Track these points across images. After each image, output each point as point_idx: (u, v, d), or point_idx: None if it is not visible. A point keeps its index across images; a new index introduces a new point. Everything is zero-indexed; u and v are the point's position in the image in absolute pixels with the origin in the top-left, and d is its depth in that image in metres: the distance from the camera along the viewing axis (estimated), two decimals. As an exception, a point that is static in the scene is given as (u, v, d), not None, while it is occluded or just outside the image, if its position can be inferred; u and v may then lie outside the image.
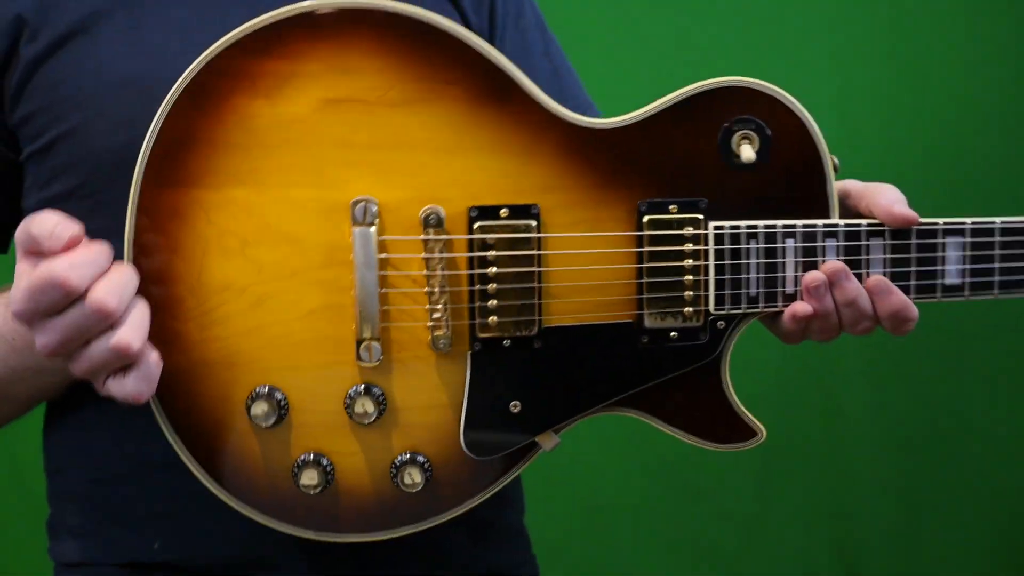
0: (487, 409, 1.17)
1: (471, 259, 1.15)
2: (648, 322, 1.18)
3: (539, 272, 1.17)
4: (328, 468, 1.15)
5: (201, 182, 1.11)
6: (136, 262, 1.10)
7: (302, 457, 1.14)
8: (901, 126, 2.55)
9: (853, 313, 1.19)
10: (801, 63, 2.57)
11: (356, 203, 1.12)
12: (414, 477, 1.16)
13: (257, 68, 1.10)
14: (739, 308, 1.20)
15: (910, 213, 1.20)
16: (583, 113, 1.21)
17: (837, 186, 1.23)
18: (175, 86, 1.10)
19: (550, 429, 1.18)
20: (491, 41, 1.37)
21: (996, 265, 1.21)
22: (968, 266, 1.21)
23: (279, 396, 1.13)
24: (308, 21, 1.10)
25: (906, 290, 1.21)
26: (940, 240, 1.21)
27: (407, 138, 1.12)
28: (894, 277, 1.20)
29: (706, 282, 1.19)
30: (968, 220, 1.21)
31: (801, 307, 1.18)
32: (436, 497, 1.19)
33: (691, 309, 1.19)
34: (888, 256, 1.20)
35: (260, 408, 1.12)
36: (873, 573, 2.65)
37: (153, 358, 1.06)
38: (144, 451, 1.25)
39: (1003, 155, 2.54)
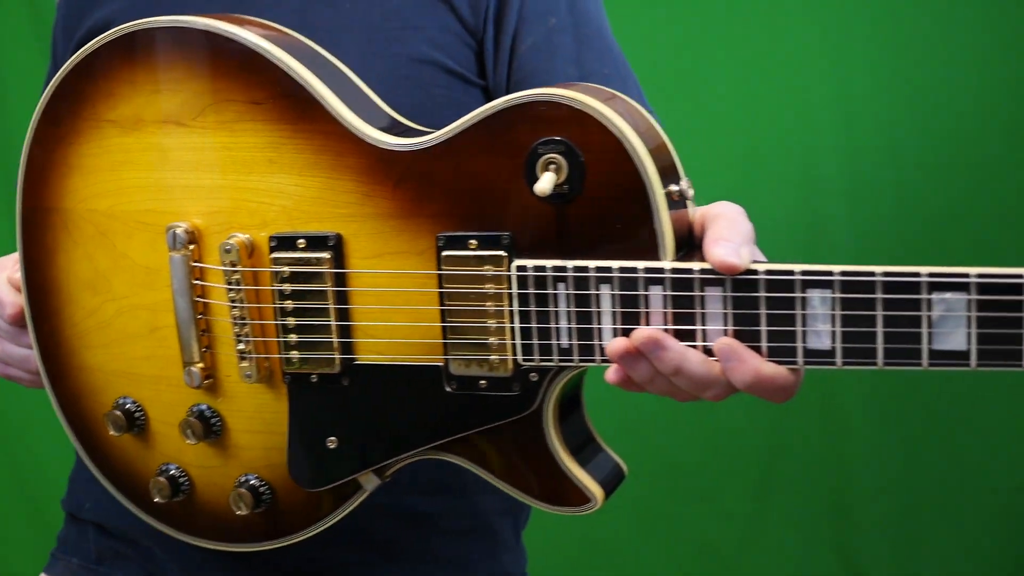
0: (307, 442, 1.10)
1: (273, 291, 1.09)
2: (454, 368, 1.03)
3: (336, 308, 1.07)
4: (182, 479, 1.17)
5: (60, 202, 1.17)
6: (26, 272, 1.20)
7: (162, 466, 1.18)
8: (903, 126, 2.54)
9: (689, 382, 0.94)
10: (801, 62, 2.58)
11: (169, 229, 1.11)
12: (245, 501, 1.13)
13: (94, 91, 1.14)
14: (551, 360, 0.99)
15: (729, 258, 0.91)
16: None
17: (700, 212, 1.00)
18: (37, 108, 1.16)
19: (369, 470, 1.09)
20: (496, 40, 1.26)
21: (879, 329, 0.89)
22: (839, 328, 0.90)
23: (134, 408, 1.18)
24: (130, 43, 1.11)
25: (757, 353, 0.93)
26: (799, 294, 0.90)
27: (217, 160, 1.10)
28: (739, 336, 0.92)
29: (512, 329, 1.00)
30: (836, 268, 0.89)
31: (611, 374, 0.96)
32: (278, 520, 1.15)
33: (497, 358, 1.01)
34: (730, 311, 0.92)
35: (113, 419, 1.17)
36: (873, 573, 2.64)
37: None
38: None
39: (1005, 154, 2.53)
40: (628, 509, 2.66)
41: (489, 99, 1.25)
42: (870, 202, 2.54)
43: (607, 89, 1.02)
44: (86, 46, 1.13)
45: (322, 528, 1.13)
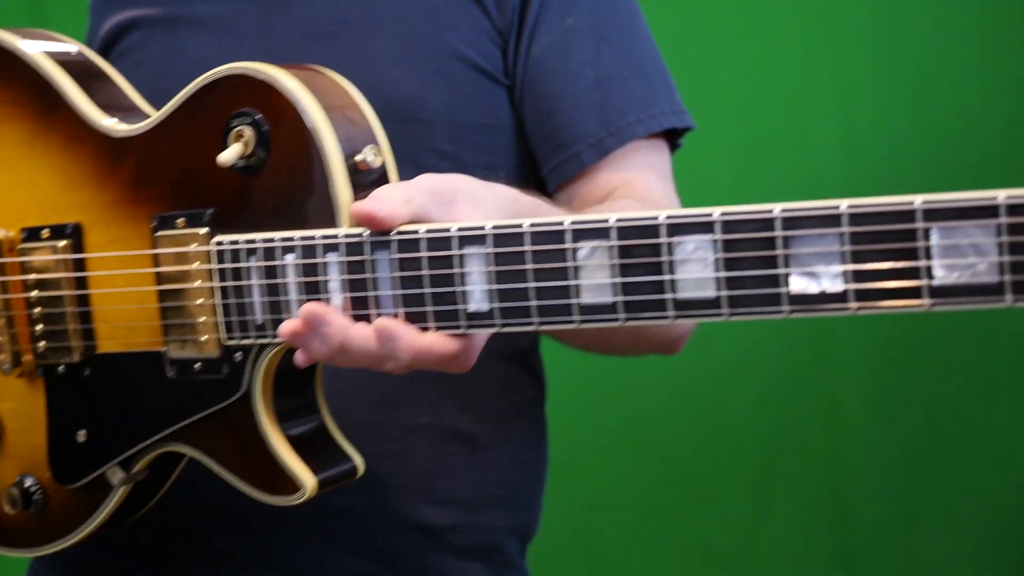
0: (61, 436, 1.12)
1: (24, 283, 1.12)
2: (172, 351, 1.04)
3: (74, 295, 1.09)
4: None
5: None
6: None
7: None
8: (902, 124, 2.53)
9: (360, 357, 0.92)
10: (801, 62, 2.57)
11: None
12: (14, 500, 1.14)
13: None
14: (248, 336, 0.99)
15: (364, 207, 0.89)
16: (628, 127, 1.17)
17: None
18: None
19: (115, 463, 1.09)
20: (517, 38, 1.23)
21: (530, 285, 0.86)
22: (495, 286, 0.87)
23: None
24: None
25: (421, 318, 0.90)
26: (456, 252, 0.88)
27: None
28: (407, 301, 0.91)
29: (214, 307, 1.00)
30: (489, 224, 0.87)
31: (297, 356, 0.95)
32: (51, 522, 1.14)
33: (205, 337, 1.02)
34: (398, 275, 0.90)
35: None
36: (873, 573, 2.63)
37: None
38: None
39: (1005, 154, 2.53)
40: (628, 509, 2.65)
41: (512, 100, 1.24)
42: (870, 202, 2.53)
43: (318, 67, 1.02)
44: None
45: (84, 533, 1.13)
